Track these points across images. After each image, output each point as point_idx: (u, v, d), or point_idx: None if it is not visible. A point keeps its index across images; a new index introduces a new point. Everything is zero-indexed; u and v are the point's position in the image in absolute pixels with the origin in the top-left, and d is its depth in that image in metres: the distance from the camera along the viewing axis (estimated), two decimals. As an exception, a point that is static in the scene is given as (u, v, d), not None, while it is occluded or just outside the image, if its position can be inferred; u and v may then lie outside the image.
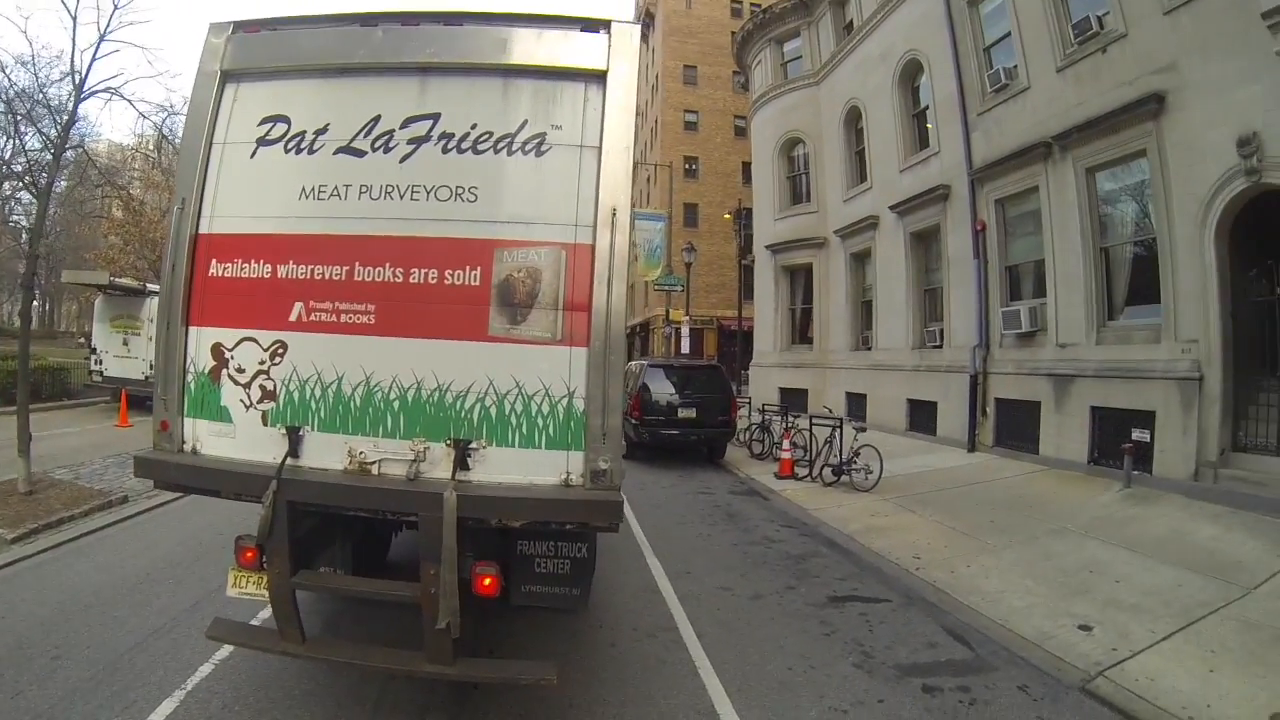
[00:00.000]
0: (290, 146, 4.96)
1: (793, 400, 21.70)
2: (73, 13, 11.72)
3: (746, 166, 37.13)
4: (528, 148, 4.73)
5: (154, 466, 5.10)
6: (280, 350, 4.88)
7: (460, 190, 4.73)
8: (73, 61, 17.22)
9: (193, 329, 5.05)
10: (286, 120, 4.98)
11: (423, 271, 4.74)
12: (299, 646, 5.01)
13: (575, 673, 5.72)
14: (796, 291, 25.70)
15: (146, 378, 21.35)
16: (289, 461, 4.75)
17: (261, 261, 4.94)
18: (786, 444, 14.69)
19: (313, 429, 4.85)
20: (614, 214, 4.60)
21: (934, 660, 6.33)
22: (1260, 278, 10.14)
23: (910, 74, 19.33)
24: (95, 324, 24.22)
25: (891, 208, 19.53)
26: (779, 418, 16.89)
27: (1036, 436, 14.35)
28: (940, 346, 17.71)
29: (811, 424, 14.91)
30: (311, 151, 4.92)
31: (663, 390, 16.33)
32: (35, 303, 71.72)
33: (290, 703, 5.43)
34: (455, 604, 4.51)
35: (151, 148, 37.39)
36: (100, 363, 23.11)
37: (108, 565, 8.57)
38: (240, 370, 4.96)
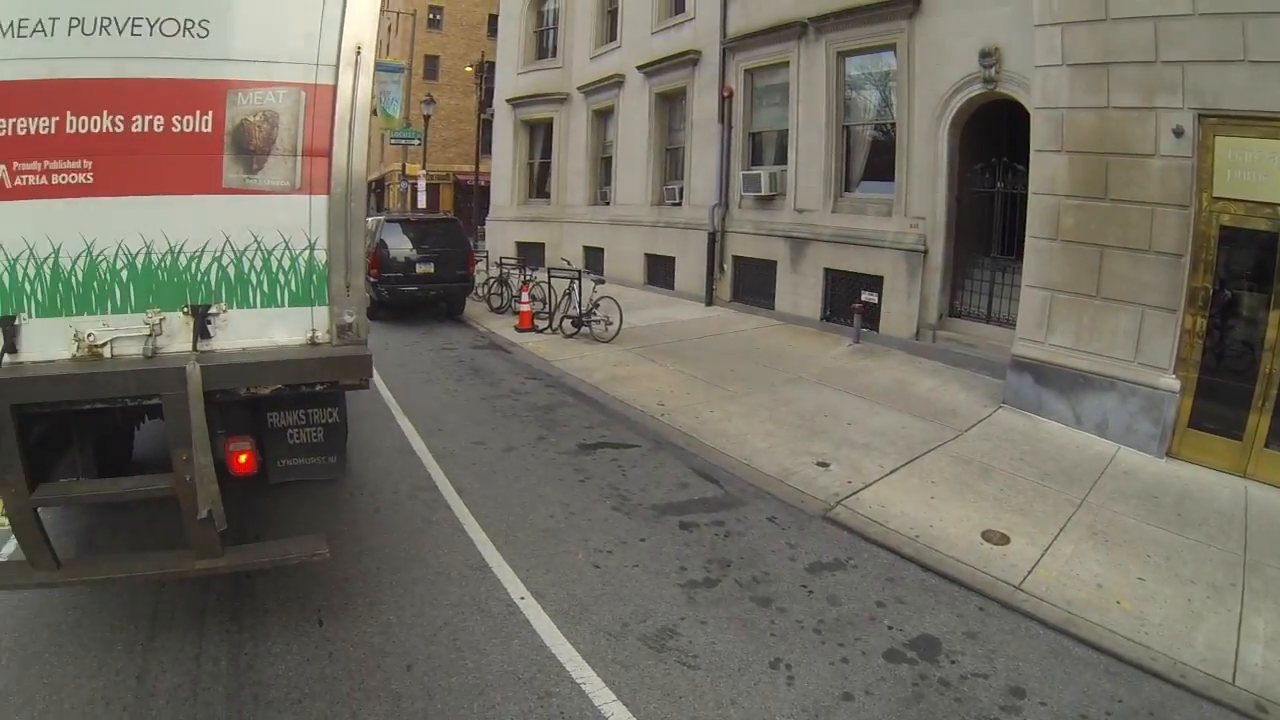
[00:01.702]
0: None
1: (531, 254, 21.58)
2: None
3: (494, 20, 35.44)
4: None
5: None
6: None
7: (189, 24, 4.07)
8: None
9: None
10: None
11: (147, 119, 4.10)
12: (55, 573, 4.44)
13: (344, 544, 5.67)
14: (536, 146, 25.36)
15: None
16: (6, 358, 4.07)
17: None
18: (525, 297, 14.71)
19: (30, 315, 4.14)
20: (358, 52, 4.27)
21: (688, 499, 6.66)
22: (985, 172, 11.17)
23: (669, -67, 18.99)
24: None
25: (639, 67, 19.53)
26: (517, 271, 16.77)
27: (773, 294, 15.12)
28: (680, 204, 18.20)
29: (550, 277, 14.96)
30: None
31: (400, 247, 15.87)
32: None
33: (60, 639, 4.83)
34: (214, 489, 4.20)
35: None
36: None
37: None
38: None
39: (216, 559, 4.41)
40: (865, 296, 12.68)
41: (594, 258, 21.19)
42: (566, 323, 13.60)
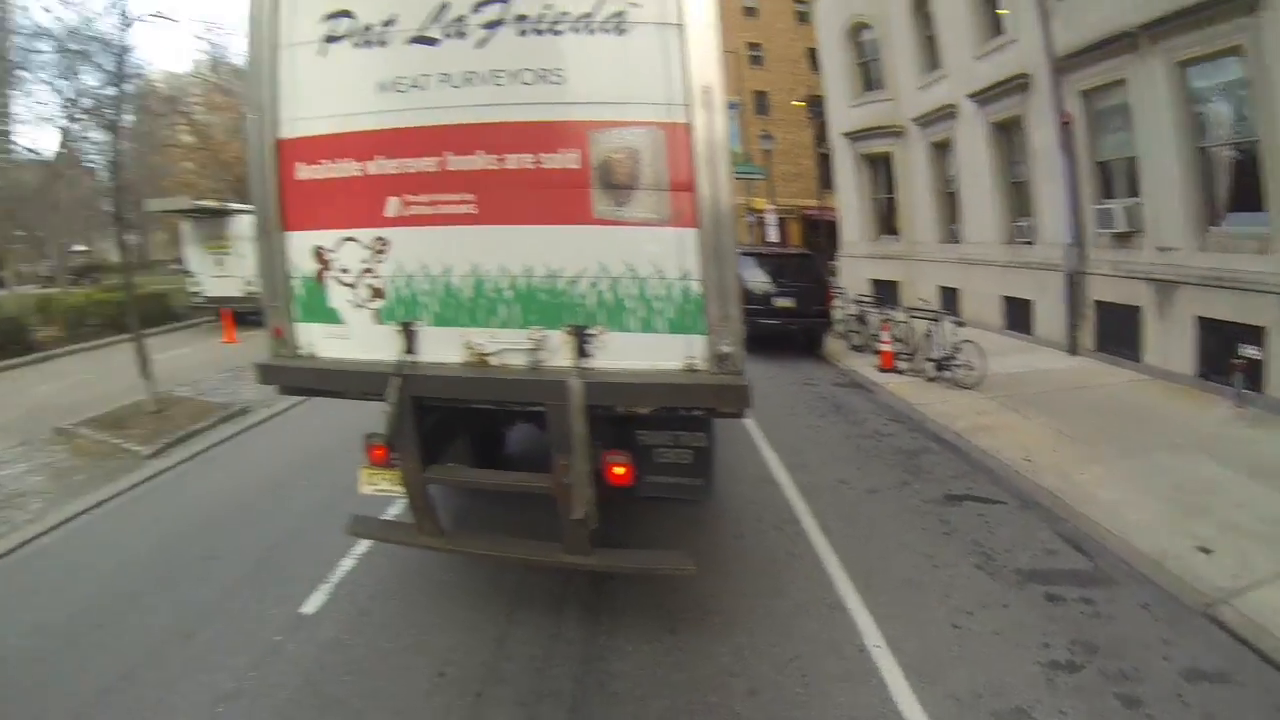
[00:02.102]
0: (359, 41, 4.86)
1: (883, 292, 21.64)
2: None
3: (813, 53, 36.30)
4: (608, 26, 4.54)
5: (275, 372, 5.38)
6: (382, 247, 4.96)
7: (545, 72, 4.61)
8: None
9: (290, 234, 5.14)
10: (349, 15, 4.87)
11: (518, 157, 4.67)
12: (438, 540, 5.36)
13: (705, 564, 5.68)
14: (879, 180, 25.03)
15: (246, 294, 22.17)
16: (408, 357, 4.90)
17: (349, 160, 4.94)
18: (886, 336, 14.68)
19: (427, 324, 4.95)
20: (707, 92, 4.43)
21: (1054, 568, 6.37)
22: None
23: (978, -48, 18.10)
24: (187, 248, 25.36)
25: (969, 96, 18.60)
26: (874, 309, 16.89)
27: (1139, 343, 13.70)
28: (1031, 243, 17.15)
29: (910, 316, 15.05)
30: (383, 44, 4.82)
31: (757, 279, 16.01)
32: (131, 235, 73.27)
33: (435, 592, 5.96)
34: (590, 494, 4.64)
35: (208, 70, 38.32)
36: (198, 284, 24.39)
37: (240, 472, 9.51)
38: (345, 270, 5.07)
39: (585, 556, 4.90)
40: (1245, 351, 10.77)
41: (947, 298, 20.58)
42: (928, 365, 13.48)
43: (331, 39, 4.93)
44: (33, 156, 37.72)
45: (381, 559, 6.49)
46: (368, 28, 4.84)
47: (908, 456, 9.39)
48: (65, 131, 36.68)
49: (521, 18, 4.61)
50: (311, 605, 5.84)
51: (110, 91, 15.13)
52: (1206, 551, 6.43)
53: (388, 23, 4.81)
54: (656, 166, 4.54)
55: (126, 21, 13.29)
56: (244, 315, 22.45)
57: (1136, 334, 13.78)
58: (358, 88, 4.89)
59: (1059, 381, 13.23)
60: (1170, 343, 12.93)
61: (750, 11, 48.48)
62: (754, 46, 47.78)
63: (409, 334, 4.95)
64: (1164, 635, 5.32)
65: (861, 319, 17.30)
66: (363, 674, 5.03)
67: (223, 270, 23.66)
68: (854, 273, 25.49)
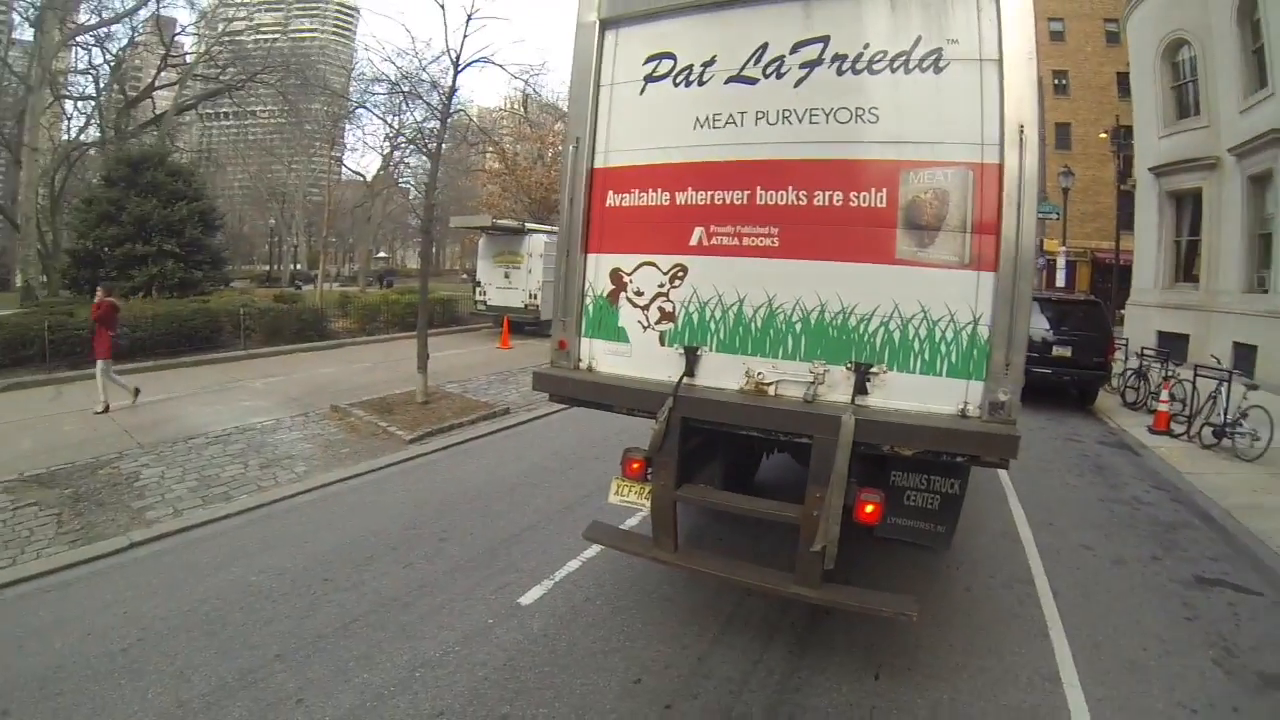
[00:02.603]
0: (679, 80, 5.23)
1: (1172, 346, 19.46)
2: (440, 2, 13.75)
3: (1122, 78, 33.55)
4: (924, 64, 4.58)
5: (552, 381, 5.72)
6: (680, 274, 5.24)
7: (860, 111, 4.70)
8: (446, 41, 20.81)
9: (591, 256, 5.59)
10: (672, 56, 5.26)
11: (827, 194, 4.79)
12: (671, 555, 5.38)
13: (926, 613, 5.50)
14: (1183, 220, 22.93)
15: (526, 306, 24.68)
16: (685, 380, 5.12)
17: (659, 190, 5.30)
18: (1165, 395, 13.54)
19: (710, 349, 5.17)
20: (1021, 130, 4.35)
21: None
22: None
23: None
24: (479, 260, 27.74)
25: None
26: (1158, 364, 15.49)
27: None
28: None
29: (1196, 375, 13.49)
30: (702, 83, 5.15)
31: (1037, 325, 15.13)
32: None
33: (648, 605, 6.10)
34: (836, 530, 4.57)
35: (518, 105, 42.08)
36: (484, 294, 26.58)
37: (490, 467, 10.07)
38: (639, 293, 5.41)
39: (813, 589, 4.81)
40: None
41: (1245, 356, 18.21)
42: (1207, 431, 12.25)
43: (652, 79, 5.37)
44: (355, 177, 43.37)
45: (605, 566, 6.78)
46: (688, 68, 5.22)
47: (1164, 529, 8.67)
48: (387, 158, 42.02)
49: (839, 57, 4.76)
50: (529, 597, 6.17)
51: (433, 124, 17.00)
52: None
53: (707, 63, 5.15)
54: (963, 208, 4.51)
55: (457, 67, 14.62)
56: (520, 325, 24.82)
57: None
58: (675, 123, 5.26)
59: (1365, 464, 11.24)
60: None
61: (1056, 36, 45.47)
62: (1059, 74, 44.86)
63: (692, 357, 5.19)
64: None
65: (1141, 374, 16.14)
66: (561, 668, 5.21)
67: (508, 282, 25.59)
68: (1142, 323, 23.81)
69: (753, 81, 5.00)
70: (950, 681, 5.15)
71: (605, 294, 5.56)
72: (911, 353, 4.65)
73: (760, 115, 4.97)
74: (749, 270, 5.03)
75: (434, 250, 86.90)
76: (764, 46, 4.96)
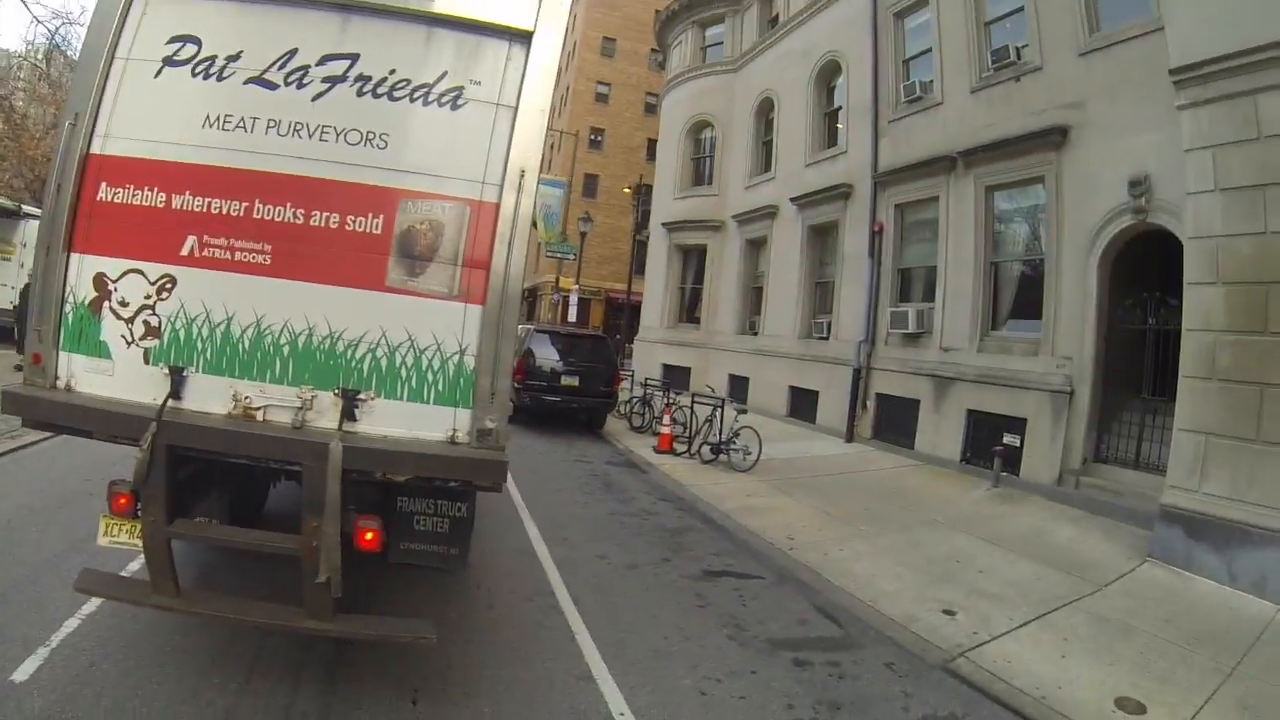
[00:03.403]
0: (199, 70, 4.73)
1: (676, 377, 22.00)
2: None
3: (652, 144, 37.19)
4: (444, 100, 4.68)
5: (24, 403, 4.79)
6: (169, 285, 4.68)
7: (371, 135, 4.66)
8: None
9: (75, 256, 4.75)
10: (197, 41, 4.73)
11: (324, 215, 4.62)
12: (173, 600, 4.81)
13: (454, 633, 5.64)
14: (689, 270, 25.90)
15: (14, 307, 19.30)
16: (170, 403, 4.58)
17: (155, 189, 4.70)
18: (667, 419, 14.78)
19: (197, 370, 4.69)
20: (522, 175, 4.60)
21: (805, 636, 6.47)
22: (1135, 308, 10.86)
23: (828, 74, 19.64)
24: None
25: (793, 199, 19.85)
26: (661, 393, 16.99)
27: (914, 432, 14.86)
28: (827, 338, 18.17)
29: (694, 401, 14.96)
30: (221, 78, 4.71)
31: (548, 356, 16.31)
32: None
33: (162, 660, 5.16)
34: (337, 559, 4.44)
35: (40, 56, 35.00)
36: None
37: None
38: (124, 304, 4.72)
39: (326, 622, 4.64)
40: (1007, 439, 12.32)
41: (738, 386, 21.47)
42: (705, 449, 13.58)
43: (171, 62, 4.73)
44: None
45: (108, 620, 5.59)
46: (211, 59, 4.70)
47: (671, 534, 9.27)
48: None
49: (364, 78, 4.67)
50: (24, 672, 4.84)
51: None
52: (950, 614, 6.98)
53: (232, 57, 4.70)
54: (456, 241, 4.62)
55: None
56: (8, 330, 19.22)
57: (913, 424, 15.02)
58: (185, 117, 4.69)
59: (833, 466, 13.74)
60: (942, 431, 14.26)
61: (601, 98, 49.76)
62: (596, 131, 48.92)
63: (178, 378, 4.60)
64: (905, 689, 5.63)
65: (646, 401, 17.48)
66: (65, 755, 4.29)
67: None
68: (649, 356, 26.09)
69: (273, 87, 4.69)
70: (488, 695, 5.04)
71: (87, 302, 4.73)
72: (400, 380, 4.67)
73: (273, 124, 4.66)
74: (239, 287, 4.63)
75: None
76: (293, 52, 4.69)
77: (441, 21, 4.74)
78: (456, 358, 4.63)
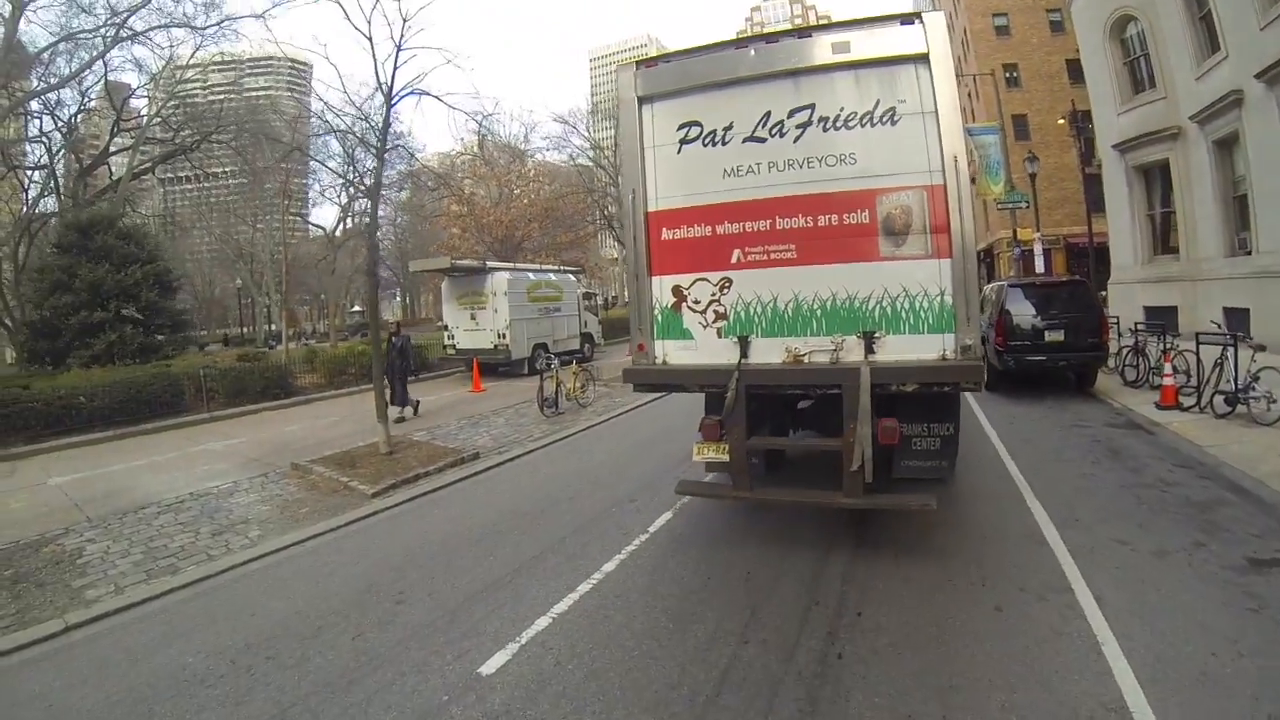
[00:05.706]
0: (707, 142, 6.98)
1: (1161, 319, 18.87)
2: (367, 34, 13.36)
3: (1071, 65, 33.54)
4: (884, 119, 6.39)
5: (638, 374, 7.45)
6: (727, 285, 6.99)
7: (843, 156, 6.53)
8: (377, 74, 19.78)
9: (655, 277, 7.28)
10: (699, 124, 7.01)
11: (826, 217, 6.60)
12: (749, 493, 7.14)
13: (957, 643, 5.23)
14: (1154, 193, 22.85)
15: (495, 346, 24.20)
16: (742, 361, 6.84)
17: (703, 224, 7.01)
18: (1168, 369, 12.80)
19: (757, 336, 6.91)
20: (955, 160, 6.23)
21: None
22: None
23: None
24: (444, 304, 27.31)
25: (1258, 76, 16.27)
26: (1155, 338, 14.83)
27: None
28: None
29: (1198, 344, 12.64)
30: (724, 144, 6.91)
31: (1025, 313, 15.06)
32: (398, 297, 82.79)
33: (627, 664, 5.37)
34: (869, 450, 6.25)
35: (476, 147, 41.52)
36: (453, 337, 26.16)
37: (457, 517, 9.51)
38: (697, 302, 7.14)
39: (857, 498, 6.56)
40: None
41: (1236, 320, 17.72)
42: (1218, 399, 11.51)
43: (685, 141, 7.09)
44: (316, 231, 42.57)
45: (578, 621, 6.18)
46: (713, 132, 6.97)
47: (1199, 510, 7.80)
48: (345, 208, 41.34)
49: (824, 119, 6.58)
50: (491, 665, 5.46)
51: (386, 171, 16.26)
52: None
53: (727, 128, 6.91)
54: (923, 217, 6.32)
55: (389, 100, 14.01)
56: (493, 366, 24.02)
57: None
58: (708, 175, 6.99)
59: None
60: None
61: (1001, 30, 45.32)
62: (1009, 68, 44.39)
63: (745, 344, 6.92)
64: None
65: (1139, 350, 15.41)
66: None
67: (475, 324, 25.21)
68: (1127, 300, 23.42)
69: (763, 140, 6.76)
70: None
71: (670, 305, 7.27)
72: (901, 320, 6.46)
73: (772, 165, 6.75)
74: (777, 277, 6.81)
75: (406, 300, 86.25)
76: (768, 114, 6.74)
77: (862, 65, 6.45)
78: (939, 298, 6.32)
